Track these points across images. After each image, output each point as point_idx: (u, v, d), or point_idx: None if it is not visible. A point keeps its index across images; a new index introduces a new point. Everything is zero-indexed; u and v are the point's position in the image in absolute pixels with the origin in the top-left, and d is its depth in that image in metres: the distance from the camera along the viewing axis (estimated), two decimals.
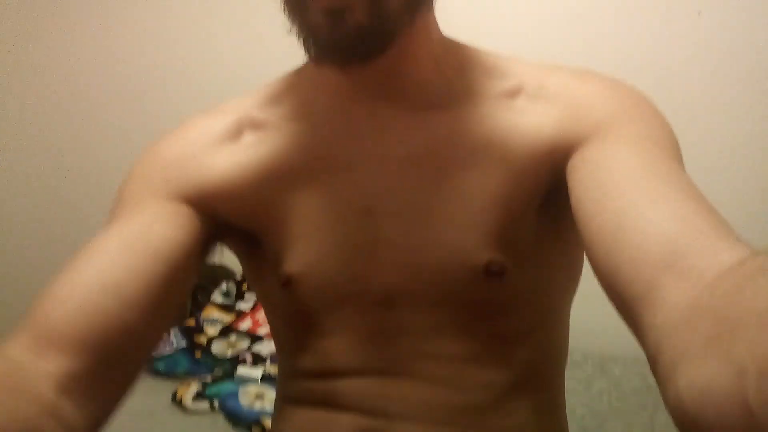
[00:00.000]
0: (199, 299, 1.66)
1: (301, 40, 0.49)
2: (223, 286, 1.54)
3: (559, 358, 0.63)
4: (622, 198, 0.45)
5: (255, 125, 0.57)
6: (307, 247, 0.55)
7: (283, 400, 0.62)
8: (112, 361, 0.44)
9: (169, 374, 1.33)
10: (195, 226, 0.53)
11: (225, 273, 1.61)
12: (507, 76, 0.57)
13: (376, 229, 0.54)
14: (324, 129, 0.56)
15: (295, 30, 0.49)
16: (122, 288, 0.46)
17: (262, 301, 0.64)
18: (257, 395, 1.16)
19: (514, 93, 0.55)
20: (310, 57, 0.50)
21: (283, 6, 0.50)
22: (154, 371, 1.35)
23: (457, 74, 0.56)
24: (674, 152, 0.51)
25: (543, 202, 0.54)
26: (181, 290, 0.52)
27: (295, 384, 0.60)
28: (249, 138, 0.57)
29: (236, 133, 0.57)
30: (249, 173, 0.55)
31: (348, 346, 0.56)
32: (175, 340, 1.40)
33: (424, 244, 0.53)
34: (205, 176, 0.55)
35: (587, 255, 0.46)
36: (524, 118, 0.54)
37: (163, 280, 0.48)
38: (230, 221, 0.56)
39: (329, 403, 0.57)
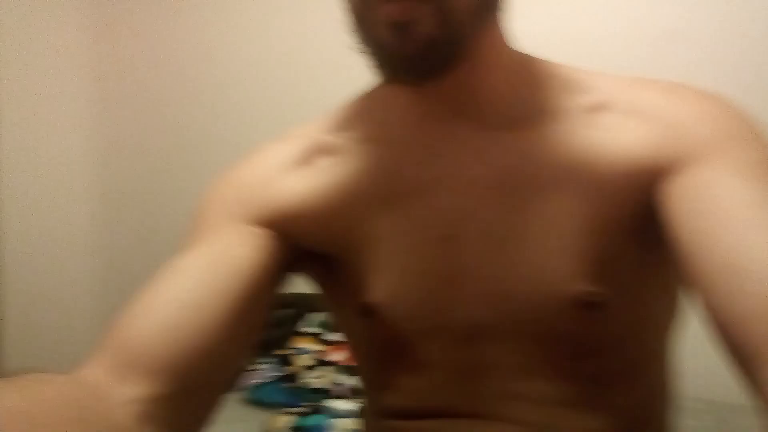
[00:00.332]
0: (293, 329, 1.68)
1: (371, 59, 0.48)
2: (316, 316, 1.55)
3: (664, 403, 0.56)
4: (734, 235, 0.40)
5: (327, 150, 0.56)
6: (386, 276, 0.53)
7: None
8: (194, 385, 0.42)
9: (262, 404, 1.34)
10: (273, 249, 0.52)
11: (318, 303, 1.61)
12: (590, 91, 0.53)
13: (458, 257, 0.51)
14: (398, 150, 0.53)
15: (363, 49, 0.48)
16: (204, 308, 0.44)
17: (343, 331, 0.61)
18: (346, 431, 1.13)
19: (598, 108, 0.51)
20: (380, 76, 0.49)
21: (350, 26, 0.48)
22: (247, 400, 1.36)
23: (532, 90, 0.53)
24: None
25: (638, 229, 0.49)
26: (261, 313, 0.51)
27: (379, 423, 0.57)
28: (322, 162, 0.55)
29: (309, 157, 0.56)
30: (323, 197, 0.54)
31: (433, 385, 0.53)
32: (270, 369, 1.41)
33: (509, 272, 0.50)
34: (280, 200, 0.54)
35: (695, 294, 0.41)
36: (612, 135, 0.50)
37: (244, 301, 0.47)
38: (306, 246, 0.55)
39: None
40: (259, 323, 0.50)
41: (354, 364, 0.63)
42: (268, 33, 1.84)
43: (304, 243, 0.55)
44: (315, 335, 1.50)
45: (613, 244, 0.49)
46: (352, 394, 1.29)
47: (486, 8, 0.50)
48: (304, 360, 1.42)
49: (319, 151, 0.56)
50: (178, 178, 1.95)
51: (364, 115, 0.57)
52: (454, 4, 0.46)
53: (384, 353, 0.55)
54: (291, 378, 1.39)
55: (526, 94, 0.52)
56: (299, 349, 1.46)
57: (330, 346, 1.46)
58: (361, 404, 0.63)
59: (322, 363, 1.41)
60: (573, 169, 0.49)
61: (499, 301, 0.50)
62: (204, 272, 0.47)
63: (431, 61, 0.47)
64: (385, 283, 0.53)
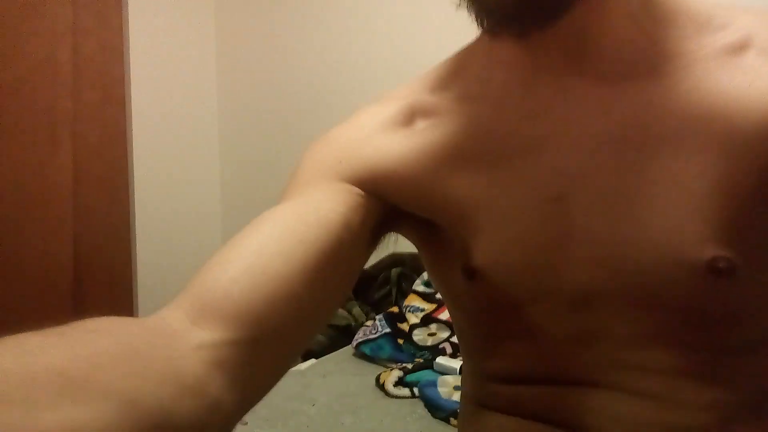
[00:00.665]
0: (403, 287, 1.71)
1: (471, 10, 0.44)
2: (425, 275, 1.56)
3: None
4: None
5: (427, 110, 0.53)
6: (492, 238, 0.50)
7: (469, 401, 0.58)
8: (271, 334, 0.39)
9: (373, 358, 1.39)
10: (366, 207, 0.50)
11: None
12: (725, 28, 0.46)
13: (570, 219, 0.47)
14: (503, 108, 0.50)
15: (464, 1, 0.44)
16: (289, 257, 0.41)
17: (444, 295, 0.59)
18: (455, 387, 1.15)
19: (740, 48, 0.45)
20: (482, 28, 0.45)
21: None
22: (359, 355, 1.42)
23: (658, 31, 0.47)
24: None
25: None
26: (348, 269, 0.48)
27: (482, 387, 0.56)
28: (422, 123, 0.53)
29: (409, 118, 0.53)
30: (423, 157, 0.51)
31: (539, 351, 0.50)
32: (380, 326, 1.45)
33: (628, 236, 0.45)
34: (378, 159, 0.52)
35: None
36: (752, 80, 0.43)
37: (331, 253, 0.44)
38: (404, 207, 0.53)
39: (519, 410, 0.52)
40: (346, 278, 0.48)
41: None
42: (372, 35, 1.87)
43: (401, 204, 0.53)
44: (424, 294, 1.52)
45: (750, 207, 0.43)
46: (459, 351, 1.30)
47: None
48: (414, 317, 1.45)
49: (417, 111, 0.54)
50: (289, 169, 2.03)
51: (464, 72, 0.53)
52: None
53: (489, 318, 0.53)
54: (401, 334, 1.42)
55: (651, 37, 0.47)
56: (409, 306, 1.49)
57: (439, 305, 1.47)
58: (464, 366, 0.61)
59: (431, 321, 1.43)
60: (705, 121, 0.44)
61: (616, 266, 0.46)
62: (292, 222, 0.44)
63: (539, 6, 0.43)
64: (489, 246, 0.50)
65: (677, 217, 0.44)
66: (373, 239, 0.53)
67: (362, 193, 0.51)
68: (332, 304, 0.48)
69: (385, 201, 0.52)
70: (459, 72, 0.54)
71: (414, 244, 0.59)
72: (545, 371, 0.51)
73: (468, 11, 0.45)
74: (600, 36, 0.47)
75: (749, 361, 0.47)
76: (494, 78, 0.51)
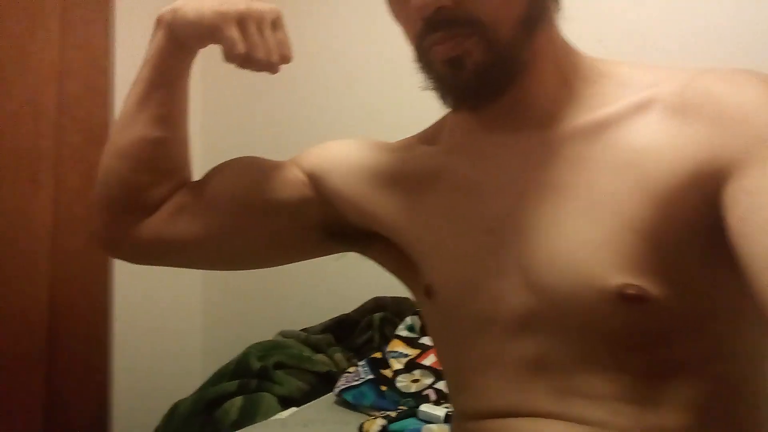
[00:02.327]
0: (386, 332, 1.69)
1: (436, 93, 0.55)
2: (408, 319, 1.55)
3: (754, 400, 0.53)
4: None
5: (401, 148, 0.67)
6: (439, 258, 0.59)
7: None
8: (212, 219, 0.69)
9: (356, 406, 1.36)
10: (312, 196, 0.68)
11: (410, 306, 1.62)
12: (638, 87, 0.53)
13: (503, 249, 0.55)
14: (455, 156, 0.61)
15: (429, 84, 0.55)
16: (237, 193, 0.69)
17: (424, 320, 0.71)
18: None
19: (646, 106, 0.51)
20: (446, 106, 0.56)
21: (417, 67, 0.55)
22: (340, 403, 1.39)
23: (581, 92, 0.55)
24: None
25: (698, 228, 0.48)
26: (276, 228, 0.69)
27: (459, 426, 0.60)
28: (392, 154, 0.67)
29: (385, 148, 0.68)
30: (375, 176, 0.65)
31: (497, 383, 0.55)
32: (362, 372, 1.42)
33: (551, 265, 0.51)
34: (334, 163, 0.68)
35: (759, 310, 0.39)
36: (660, 136, 0.48)
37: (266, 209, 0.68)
38: (350, 216, 0.67)
39: None
40: (269, 235, 0.69)
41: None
42: (371, 36, 1.88)
43: (344, 209, 0.67)
44: (407, 339, 1.50)
45: (664, 242, 0.48)
46: (443, 398, 1.28)
47: (532, 23, 0.53)
48: (397, 363, 1.42)
49: (396, 147, 0.68)
50: None
51: (440, 130, 0.66)
52: (497, 30, 0.51)
53: (450, 344, 0.61)
54: (384, 381, 1.40)
55: (575, 97, 0.55)
56: (392, 352, 1.47)
57: (422, 350, 1.46)
58: (449, 408, 0.68)
59: (415, 366, 1.41)
60: (620, 170, 0.50)
61: (543, 293, 0.52)
62: (249, 174, 0.70)
63: (486, 87, 0.53)
64: (438, 264, 0.59)
65: (591, 249, 0.50)
66: (325, 236, 0.69)
67: (307, 181, 0.68)
68: (249, 240, 0.70)
69: (323, 196, 0.67)
70: (440, 128, 0.67)
71: (392, 272, 0.70)
72: (505, 404, 0.55)
73: (435, 93, 0.55)
74: (531, 100, 0.56)
75: (683, 385, 0.50)
76: (455, 135, 0.63)
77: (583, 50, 0.59)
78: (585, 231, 0.50)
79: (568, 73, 0.56)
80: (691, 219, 0.47)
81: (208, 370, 1.73)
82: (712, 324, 0.50)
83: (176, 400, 1.62)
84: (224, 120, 2.19)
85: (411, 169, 0.63)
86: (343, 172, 0.66)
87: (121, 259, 0.74)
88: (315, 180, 0.68)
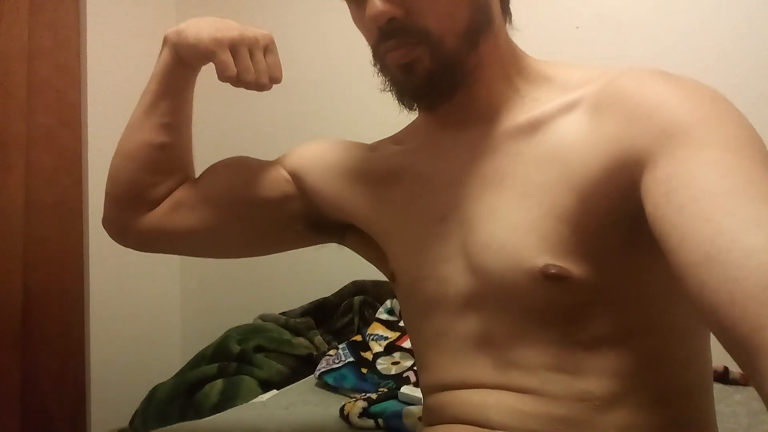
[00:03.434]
0: (365, 315, 1.70)
1: (393, 95, 0.61)
2: (388, 303, 1.56)
3: (683, 374, 0.57)
4: (709, 222, 0.40)
5: (375, 148, 0.75)
6: (399, 246, 0.67)
7: (423, 424, 0.68)
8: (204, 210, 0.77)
9: (337, 388, 1.37)
10: (294, 192, 0.76)
11: (390, 290, 1.63)
12: (572, 87, 0.58)
13: (451, 236, 0.62)
14: (416, 154, 0.69)
15: (386, 86, 0.61)
16: (229, 191, 0.78)
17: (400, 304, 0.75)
18: (420, 417, 1.14)
19: (573, 105, 0.56)
20: (401, 105, 0.61)
21: (376, 71, 0.61)
22: (321, 385, 1.40)
23: (522, 92, 0.61)
24: (761, 157, 0.43)
25: (619, 215, 0.52)
26: (260, 218, 0.77)
27: (425, 406, 0.67)
28: (366, 153, 0.74)
29: (362, 147, 0.76)
30: (349, 172, 0.73)
31: (447, 358, 0.62)
32: (342, 355, 1.43)
33: (488, 249, 0.58)
34: (314, 162, 0.76)
35: (679, 285, 0.41)
36: (581, 133, 0.54)
37: (254, 203, 0.76)
38: (326, 209, 0.74)
39: (443, 417, 0.62)
40: (256, 223, 0.77)
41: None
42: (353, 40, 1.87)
43: (321, 203, 0.74)
44: (387, 322, 1.51)
45: (586, 229, 0.53)
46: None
47: (476, 34, 0.59)
48: (377, 346, 1.44)
49: (371, 147, 0.75)
50: None
51: (410, 130, 0.74)
52: (444, 41, 0.57)
53: (412, 323, 0.67)
54: (364, 363, 1.41)
55: (519, 98, 0.61)
56: (372, 335, 1.48)
57: (402, 333, 1.47)
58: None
59: (395, 349, 1.42)
60: (548, 164, 0.56)
61: (481, 274, 0.58)
62: (238, 172, 0.79)
63: (436, 90, 0.59)
64: (398, 251, 0.67)
65: (520, 234, 0.56)
66: (307, 228, 0.78)
67: (288, 177, 0.77)
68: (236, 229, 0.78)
69: (303, 191, 0.76)
70: (407, 131, 0.75)
71: (369, 260, 0.77)
72: (454, 378, 0.62)
73: (392, 94, 0.61)
74: (482, 99, 0.62)
75: (602, 356, 0.55)
76: (418, 133, 0.71)
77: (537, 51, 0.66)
78: (516, 218, 0.56)
79: (513, 76, 0.62)
80: (610, 208, 0.52)
81: (187, 355, 1.72)
82: (634, 302, 0.55)
83: (155, 384, 1.61)
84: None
85: (379, 167, 0.71)
86: (321, 170, 0.75)
87: (128, 246, 0.83)
88: (296, 177, 0.76)
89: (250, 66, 0.68)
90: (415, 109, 0.63)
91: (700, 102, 0.48)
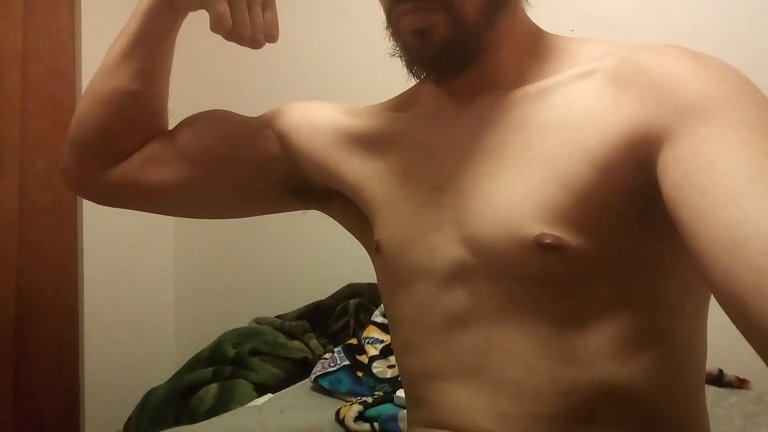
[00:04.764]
0: (361, 318, 1.70)
1: (404, 61, 0.58)
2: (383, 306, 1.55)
3: (674, 354, 0.54)
4: (733, 206, 0.38)
5: (364, 113, 0.70)
6: (389, 216, 0.63)
7: (409, 422, 0.64)
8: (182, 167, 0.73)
9: (332, 392, 1.37)
10: (277, 151, 0.72)
11: None
12: (586, 59, 0.56)
13: (445, 206, 0.59)
14: (419, 123, 0.65)
15: (398, 53, 0.58)
16: (208, 144, 0.73)
17: (378, 280, 0.70)
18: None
19: (587, 75, 0.54)
20: (411, 74, 0.59)
21: (389, 35, 0.58)
22: (317, 388, 1.39)
23: (535, 65, 0.59)
24: None
25: (632, 192, 0.50)
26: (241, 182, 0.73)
27: (408, 397, 0.64)
28: (356, 117, 0.70)
29: (350, 111, 0.71)
30: (339, 135, 0.69)
31: (428, 336, 0.60)
32: (338, 358, 1.43)
33: (481, 217, 0.55)
34: (307, 122, 0.71)
35: (698, 269, 0.40)
36: (597, 101, 0.52)
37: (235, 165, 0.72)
38: (313, 174, 0.71)
39: (432, 419, 0.59)
40: (235, 185, 0.74)
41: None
42: (345, 30, 1.87)
43: (306, 166, 0.71)
44: (383, 325, 1.51)
45: (593, 198, 0.50)
46: None
47: (497, 7, 0.56)
48: (373, 349, 1.43)
49: (359, 112, 0.71)
50: None
51: (415, 98, 0.69)
52: (464, 10, 0.54)
53: (394, 295, 0.64)
54: (360, 367, 1.40)
55: (530, 69, 0.58)
56: (367, 338, 1.47)
57: None
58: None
59: (391, 352, 1.42)
60: (557, 131, 0.53)
61: (475, 244, 0.56)
62: (221, 128, 0.75)
63: (450, 59, 0.55)
64: (387, 221, 0.63)
65: (516, 201, 0.53)
66: (289, 192, 0.74)
67: (274, 137, 0.73)
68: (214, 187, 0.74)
69: (289, 153, 0.72)
70: (408, 98, 0.70)
71: (351, 230, 0.75)
72: (434, 361, 0.59)
73: (401, 61, 0.58)
74: (495, 73, 0.59)
75: (593, 336, 0.52)
76: (425, 104, 0.66)
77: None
78: (514, 185, 0.54)
79: (529, 51, 0.59)
80: (624, 180, 0.50)
81: (182, 358, 1.71)
82: (631, 277, 0.53)
83: (149, 388, 1.60)
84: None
85: (373, 132, 0.67)
86: (309, 131, 0.70)
87: (88, 199, 0.77)
88: (282, 137, 0.72)
89: (247, 20, 0.62)
90: (424, 78, 0.60)
91: (725, 81, 0.46)
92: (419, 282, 0.60)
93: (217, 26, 0.61)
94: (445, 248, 0.58)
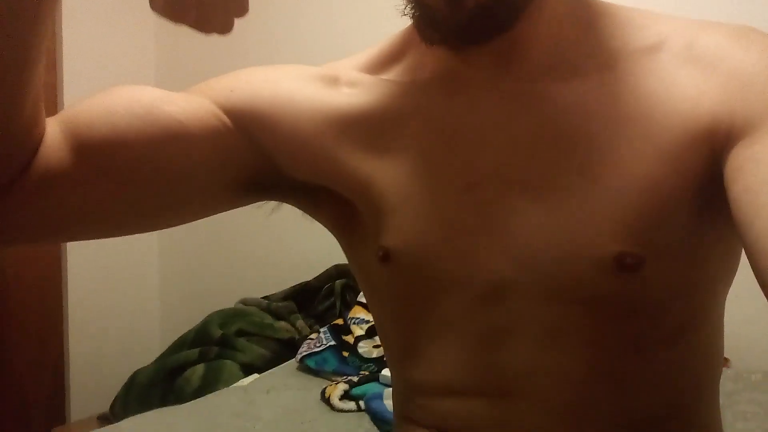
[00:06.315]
0: (347, 299, 1.70)
1: (418, 21, 0.46)
2: None
3: (713, 372, 0.52)
4: None
5: (353, 82, 0.53)
6: (404, 219, 0.50)
7: (396, 414, 0.57)
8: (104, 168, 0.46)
9: (318, 372, 1.38)
10: (231, 142, 0.49)
11: None
12: (642, 30, 0.48)
13: (485, 207, 0.48)
14: (428, 93, 0.51)
15: (408, 9, 0.46)
16: (132, 125, 0.46)
17: (365, 290, 0.57)
18: None
19: (652, 50, 0.46)
20: (423, 38, 0.47)
21: None
22: (303, 368, 1.40)
23: (582, 36, 0.49)
24: None
25: (696, 191, 0.44)
26: (173, 174, 0.48)
27: (408, 400, 0.54)
28: (346, 89, 0.52)
29: (333, 81, 0.53)
30: (331, 117, 0.51)
31: (454, 354, 0.50)
32: (324, 338, 1.43)
33: (542, 228, 0.46)
34: (274, 101, 0.51)
35: (750, 262, 0.37)
36: (669, 86, 0.45)
37: (160, 146, 0.46)
38: (291, 169, 0.52)
39: (445, 425, 0.51)
40: (168, 175, 0.48)
41: (381, 333, 0.59)
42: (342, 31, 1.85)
43: (284, 163, 0.51)
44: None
45: (665, 206, 0.44)
46: None
47: None
48: (359, 329, 1.44)
49: (343, 80, 0.53)
50: None
51: (399, 58, 0.54)
52: None
53: (406, 310, 0.52)
54: (345, 347, 1.41)
55: (576, 42, 0.48)
56: (353, 318, 1.48)
57: None
58: (392, 379, 0.59)
59: (376, 333, 1.43)
60: (626, 123, 0.45)
61: (527, 260, 0.46)
62: (150, 104, 0.47)
63: (483, 27, 0.45)
64: (402, 226, 0.50)
65: (590, 213, 0.44)
66: (239, 184, 0.52)
67: (231, 125, 0.50)
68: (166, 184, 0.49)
69: (260, 147, 0.51)
70: (394, 57, 0.54)
71: (332, 229, 0.58)
72: (460, 379, 0.50)
73: (411, 19, 0.47)
74: (530, 44, 0.48)
75: (650, 360, 0.47)
76: (426, 67, 0.52)
77: None
78: (583, 191, 0.45)
79: (572, 16, 0.49)
80: (695, 176, 0.44)
81: (167, 340, 1.71)
82: (694, 292, 0.48)
83: (135, 369, 1.60)
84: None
85: (374, 112, 0.51)
86: (291, 120, 0.51)
87: None
88: (244, 122, 0.50)
89: None
90: (440, 46, 0.48)
91: None
92: (446, 294, 0.50)
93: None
94: (484, 261, 0.48)
